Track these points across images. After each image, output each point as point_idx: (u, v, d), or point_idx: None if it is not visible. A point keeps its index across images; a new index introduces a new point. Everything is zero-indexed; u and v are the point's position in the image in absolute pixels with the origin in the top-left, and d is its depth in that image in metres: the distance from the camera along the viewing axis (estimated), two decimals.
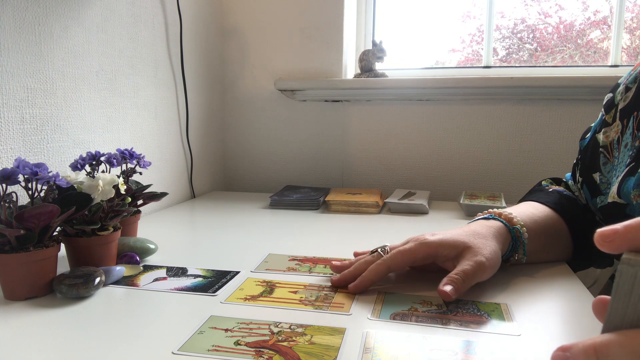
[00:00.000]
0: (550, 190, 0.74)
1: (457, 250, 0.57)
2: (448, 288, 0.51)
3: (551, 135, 1.18)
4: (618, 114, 0.63)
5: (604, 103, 0.68)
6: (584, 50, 1.29)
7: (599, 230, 0.27)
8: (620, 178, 0.58)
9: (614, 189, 0.59)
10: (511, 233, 0.62)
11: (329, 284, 0.59)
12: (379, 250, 0.60)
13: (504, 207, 0.72)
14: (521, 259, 0.63)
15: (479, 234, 0.59)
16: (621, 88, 0.65)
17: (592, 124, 0.72)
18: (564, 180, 0.79)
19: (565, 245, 0.68)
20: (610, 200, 0.60)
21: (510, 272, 0.62)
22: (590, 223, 0.70)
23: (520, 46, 1.34)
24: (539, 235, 0.64)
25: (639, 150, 0.57)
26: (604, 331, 0.27)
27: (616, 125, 0.63)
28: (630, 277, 0.26)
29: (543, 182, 0.79)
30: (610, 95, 0.67)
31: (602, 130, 0.66)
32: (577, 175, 0.73)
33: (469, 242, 0.57)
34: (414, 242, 0.59)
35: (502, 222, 0.63)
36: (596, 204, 0.67)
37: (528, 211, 0.67)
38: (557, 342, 0.28)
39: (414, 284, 0.59)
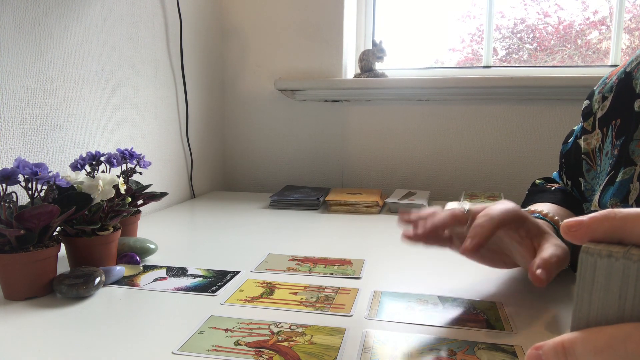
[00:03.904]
0: (553, 188, 0.73)
1: (540, 230, 0.51)
2: (541, 273, 0.45)
3: (551, 135, 1.18)
4: (597, 122, 0.63)
5: (582, 110, 0.67)
6: (583, 50, 1.29)
7: (565, 220, 0.29)
8: (602, 187, 0.58)
9: (596, 197, 0.58)
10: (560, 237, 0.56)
11: (329, 284, 0.59)
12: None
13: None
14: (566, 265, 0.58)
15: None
16: (597, 97, 0.64)
17: (575, 128, 0.72)
18: (555, 179, 0.78)
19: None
20: (592, 209, 0.59)
21: (503, 270, 0.62)
22: None
23: (520, 46, 1.34)
24: None
25: (617, 159, 0.56)
26: (573, 320, 0.29)
27: (596, 134, 0.63)
28: (590, 265, 0.27)
29: (537, 182, 0.79)
30: (587, 102, 0.66)
31: (583, 137, 0.66)
32: (565, 179, 0.72)
33: (548, 230, 0.52)
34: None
35: (551, 224, 0.58)
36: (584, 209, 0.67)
37: (558, 214, 0.63)
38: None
39: (411, 283, 0.59)
